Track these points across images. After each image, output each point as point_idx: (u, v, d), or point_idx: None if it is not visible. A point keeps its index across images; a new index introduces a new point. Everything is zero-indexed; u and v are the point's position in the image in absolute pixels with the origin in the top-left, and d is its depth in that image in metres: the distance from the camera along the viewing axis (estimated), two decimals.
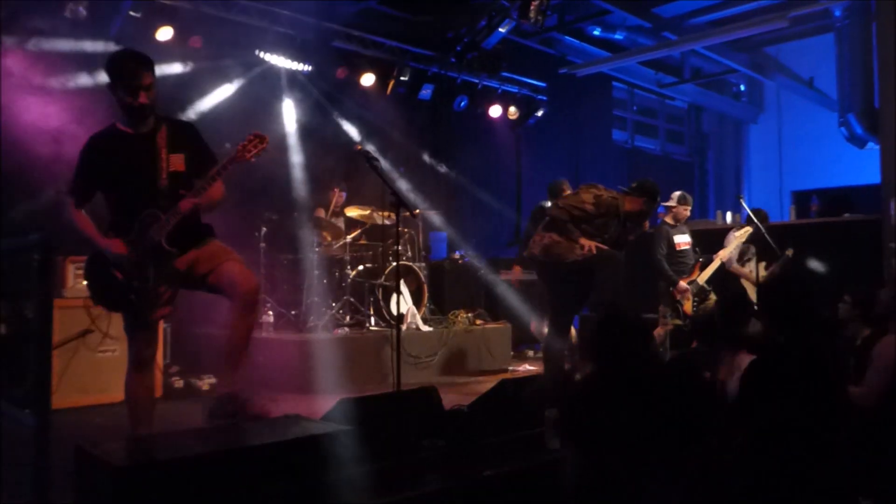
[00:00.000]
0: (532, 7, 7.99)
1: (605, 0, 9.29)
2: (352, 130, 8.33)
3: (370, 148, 6.23)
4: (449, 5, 8.65)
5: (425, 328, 6.96)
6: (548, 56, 10.45)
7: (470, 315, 7.46)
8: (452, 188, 9.57)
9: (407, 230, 7.41)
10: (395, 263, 6.51)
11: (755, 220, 6.33)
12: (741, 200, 7.08)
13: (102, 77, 3.49)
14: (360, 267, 6.91)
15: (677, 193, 6.46)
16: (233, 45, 7.09)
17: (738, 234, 6.36)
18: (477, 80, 9.27)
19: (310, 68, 7.76)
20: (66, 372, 5.03)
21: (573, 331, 5.83)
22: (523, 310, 7.45)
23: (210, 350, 5.31)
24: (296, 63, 7.61)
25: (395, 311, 5.80)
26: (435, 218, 8.57)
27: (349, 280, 6.75)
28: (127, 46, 4.32)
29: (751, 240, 6.48)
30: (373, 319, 6.78)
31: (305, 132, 7.83)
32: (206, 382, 5.75)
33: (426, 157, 9.24)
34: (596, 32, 10.45)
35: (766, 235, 6.25)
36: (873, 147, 9.95)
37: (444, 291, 7.89)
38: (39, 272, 2.59)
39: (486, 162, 9.95)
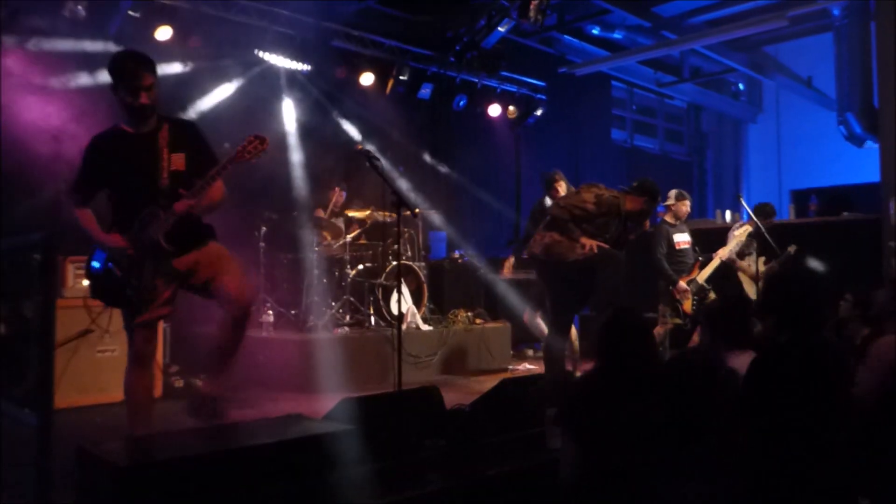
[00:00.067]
0: (532, 6, 7.98)
1: None
2: (351, 130, 8.32)
3: (370, 147, 6.22)
4: (448, 5, 8.64)
5: (425, 327, 6.96)
6: (547, 55, 10.45)
7: (470, 314, 7.47)
8: (452, 188, 9.56)
9: (407, 230, 7.41)
10: (395, 263, 6.52)
11: (755, 219, 6.33)
12: (741, 200, 7.08)
13: (102, 76, 3.50)
14: (360, 266, 6.90)
15: (674, 191, 6.48)
16: (232, 44, 7.07)
17: (737, 232, 6.37)
18: (476, 80, 9.26)
19: (309, 68, 7.74)
20: (66, 371, 5.02)
21: (573, 331, 5.84)
22: (522, 308, 7.45)
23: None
24: (295, 63, 7.60)
25: (395, 311, 5.80)
26: (434, 217, 8.56)
27: (349, 279, 6.75)
28: (126, 46, 4.33)
29: (752, 238, 6.48)
30: (373, 319, 6.77)
31: (305, 132, 7.82)
32: None
33: (426, 157, 9.23)
34: (595, 32, 10.46)
35: (766, 235, 6.25)
36: (872, 146, 9.98)
37: (443, 291, 7.88)
38: (41, 271, 2.59)
39: (485, 161, 9.95)
